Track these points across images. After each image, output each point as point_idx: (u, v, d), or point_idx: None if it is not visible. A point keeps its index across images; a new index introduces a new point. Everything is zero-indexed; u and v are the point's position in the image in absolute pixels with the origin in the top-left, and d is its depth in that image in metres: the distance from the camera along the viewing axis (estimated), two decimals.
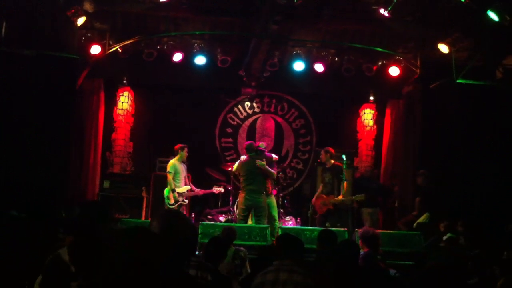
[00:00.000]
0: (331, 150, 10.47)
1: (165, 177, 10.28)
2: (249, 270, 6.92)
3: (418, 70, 11.26)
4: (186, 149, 10.37)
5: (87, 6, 9.76)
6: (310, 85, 12.41)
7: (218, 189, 10.76)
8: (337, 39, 11.35)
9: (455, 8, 9.55)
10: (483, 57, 10.48)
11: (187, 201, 10.22)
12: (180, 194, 10.13)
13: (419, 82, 11.60)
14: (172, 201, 10.05)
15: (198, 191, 10.52)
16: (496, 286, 4.47)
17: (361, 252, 6.03)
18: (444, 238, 7.99)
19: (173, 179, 10.13)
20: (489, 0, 8.72)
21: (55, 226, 4.77)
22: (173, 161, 10.27)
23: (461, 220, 8.09)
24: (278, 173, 11.11)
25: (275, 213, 10.12)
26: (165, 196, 10.14)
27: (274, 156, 10.53)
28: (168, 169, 10.18)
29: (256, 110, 13.46)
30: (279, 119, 13.51)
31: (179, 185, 10.21)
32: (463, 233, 7.93)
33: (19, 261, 3.88)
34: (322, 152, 10.56)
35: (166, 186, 10.21)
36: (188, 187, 10.34)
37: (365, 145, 13.18)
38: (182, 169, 10.35)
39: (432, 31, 10.40)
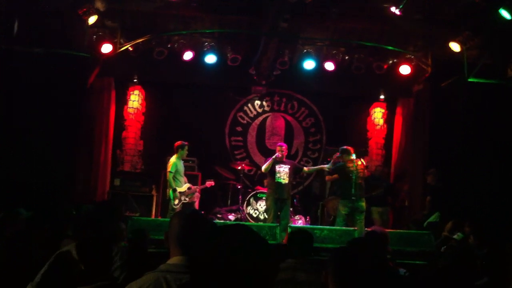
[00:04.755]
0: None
1: None
2: None
3: (429, 69, 11.20)
4: (186, 147, 10.26)
5: (99, 5, 9.81)
6: (320, 83, 12.40)
7: (209, 182, 10.69)
8: (346, 37, 11.31)
9: (465, 6, 9.51)
10: (494, 55, 10.42)
11: (188, 199, 10.16)
12: (181, 193, 10.07)
13: (429, 80, 11.55)
14: (176, 201, 10.00)
15: (195, 188, 10.48)
16: (509, 286, 4.44)
17: None
18: (454, 237, 7.96)
19: (174, 178, 10.01)
20: None
21: (64, 224, 4.80)
22: (173, 160, 10.11)
23: (468, 221, 8.04)
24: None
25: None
26: (171, 198, 10.03)
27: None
28: (169, 169, 10.00)
29: (266, 108, 13.45)
30: (289, 118, 13.49)
31: (180, 184, 10.13)
32: (471, 232, 7.88)
33: (26, 258, 3.89)
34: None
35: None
36: (189, 185, 10.27)
37: (375, 144, 13.15)
38: (182, 167, 10.27)
39: (442, 30, 10.35)
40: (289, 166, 10.15)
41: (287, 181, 10.04)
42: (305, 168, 10.75)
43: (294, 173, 10.30)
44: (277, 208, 9.95)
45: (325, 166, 10.54)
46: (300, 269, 4.10)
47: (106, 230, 4.07)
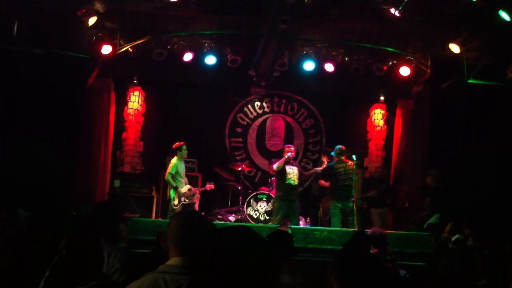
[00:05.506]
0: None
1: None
2: None
3: (428, 70, 11.20)
4: (184, 147, 10.23)
5: (98, 6, 9.80)
6: (320, 84, 12.39)
7: (209, 185, 10.68)
8: (345, 38, 11.31)
9: (465, 8, 9.50)
10: (494, 56, 10.41)
11: (188, 200, 10.17)
12: (182, 194, 10.09)
13: (429, 82, 11.54)
14: (176, 202, 10.01)
15: (195, 190, 10.48)
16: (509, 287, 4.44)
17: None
18: (453, 239, 7.95)
19: (174, 179, 10.03)
20: None
21: (63, 224, 4.80)
22: (174, 161, 10.12)
23: (467, 222, 8.03)
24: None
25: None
26: (171, 198, 10.06)
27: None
28: (169, 170, 10.02)
29: (266, 110, 13.45)
30: (288, 119, 13.49)
31: (180, 185, 10.13)
32: (470, 234, 7.87)
33: (26, 259, 3.89)
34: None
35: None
36: (189, 186, 10.28)
37: (375, 145, 13.14)
38: (182, 168, 10.26)
39: (442, 31, 10.35)
40: (297, 168, 10.21)
41: (296, 183, 10.06)
42: (305, 173, 10.75)
43: (299, 175, 10.29)
44: (286, 209, 9.93)
45: (318, 169, 10.58)
46: (284, 272, 4.06)
47: (106, 231, 4.06)
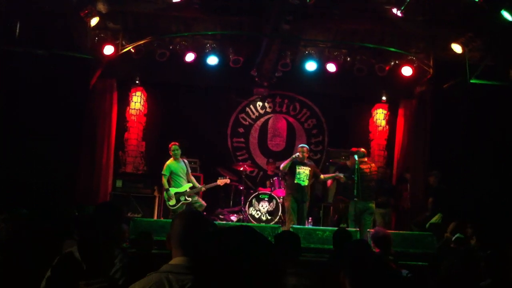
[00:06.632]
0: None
1: None
2: None
3: (431, 70, 11.19)
4: (175, 147, 10.20)
5: (101, 7, 9.83)
6: (322, 85, 12.39)
7: (223, 180, 10.63)
8: (347, 38, 11.32)
9: (467, 8, 9.49)
10: (496, 57, 10.40)
11: (189, 199, 10.16)
12: (181, 193, 10.09)
13: (431, 82, 11.54)
14: (173, 202, 10.02)
15: (200, 187, 10.46)
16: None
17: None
18: (453, 238, 7.95)
19: (172, 179, 10.10)
20: None
21: (66, 224, 4.80)
22: (168, 162, 10.21)
23: (469, 222, 8.02)
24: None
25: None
26: (165, 198, 10.14)
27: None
28: (162, 171, 10.14)
29: (268, 110, 13.45)
30: (291, 119, 13.50)
31: (179, 184, 10.16)
32: (473, 234, 7.87)
33: (28, 259, 3.89)
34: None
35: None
36: (190, 185, 10.29)
37: (377, 145, 13.13)
38: (180, 168, 10.27)
39: (444, 31, 10.35)
40: (309, 169, 10.05)
41: (306, 184, 9.95)
42: (321, 176, 10.55)
43: (313, 176, 10.20)
44: (296, 210, 9.88)
45: (341, 175, 10.41)
46: (289, 273, 4.03)
47: (108, 231, 4.06)
